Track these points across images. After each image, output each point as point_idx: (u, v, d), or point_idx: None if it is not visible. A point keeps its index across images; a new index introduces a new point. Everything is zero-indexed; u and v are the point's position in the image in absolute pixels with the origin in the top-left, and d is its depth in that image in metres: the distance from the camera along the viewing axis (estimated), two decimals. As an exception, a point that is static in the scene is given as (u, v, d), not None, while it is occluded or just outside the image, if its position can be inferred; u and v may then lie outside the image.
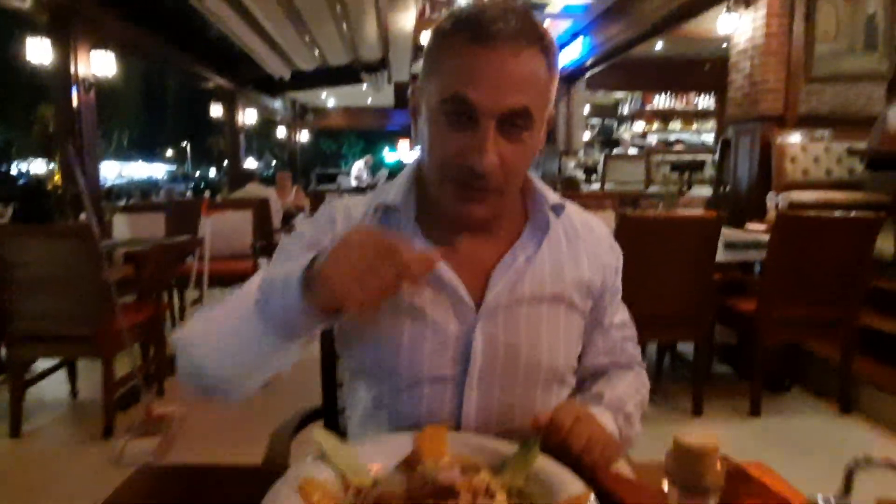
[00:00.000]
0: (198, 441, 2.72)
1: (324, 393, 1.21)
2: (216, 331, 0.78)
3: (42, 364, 3.31)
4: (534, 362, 0.88)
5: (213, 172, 27.61)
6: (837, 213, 3.04)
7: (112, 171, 27.27)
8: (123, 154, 25.07)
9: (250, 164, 18.51)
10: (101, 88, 5.51)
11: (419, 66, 0.84)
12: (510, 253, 0.89)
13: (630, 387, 0.99)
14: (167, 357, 3.48)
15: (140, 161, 29.62)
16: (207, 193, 10.42)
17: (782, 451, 2.66)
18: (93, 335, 2.69)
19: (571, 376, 0.96)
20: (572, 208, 0.98)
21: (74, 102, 5.13)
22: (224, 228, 4.63)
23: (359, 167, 15.13)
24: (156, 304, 3.26)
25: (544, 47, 0.79)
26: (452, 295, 0.86)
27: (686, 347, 3.36)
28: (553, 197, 0.92)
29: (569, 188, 7.08)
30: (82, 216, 2.66)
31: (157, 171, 30.60)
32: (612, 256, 0.99)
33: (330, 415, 1.21)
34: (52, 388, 3.34)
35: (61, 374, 3.30)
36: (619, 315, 1.02)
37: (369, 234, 0.67)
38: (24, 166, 14.72)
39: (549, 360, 0.89)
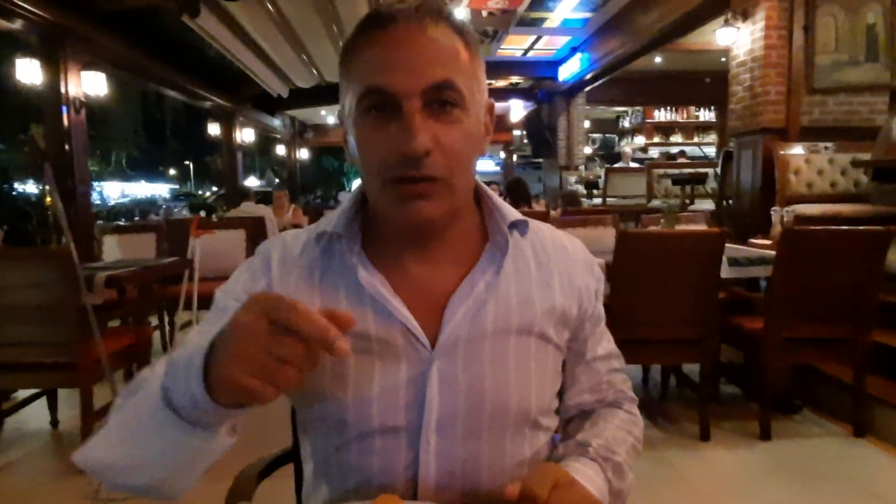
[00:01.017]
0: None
1: (294, 437, 1.11)
2: (122, 441, 0.64)
3: (23, 392, 3.20)
4: (501, 405, 0.76)
5: (214, 191, 27.70)
6: (845, 227, 2.93)
7: (114, 191, 27.36)
8: (125, 173, 25.15)
9: (251, 182, 18.51)
10: (99, 108, 5.46)
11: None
12: (468, 279, 0.78)
13: (619, 430, 0.86)
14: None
15: (142, 181, 29.73)
16: (203, 213, 10.32)
17: (794, 477, 2.53)
18: (70, 363, 2.58)
19: (548, 418, 0.84)
20: (543, 227, 0.88)
21: (65, 122, 5.07)
22: (216, 248, 4.54)
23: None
24: (140, 328, 3.14)
25: (453, 24, 0.72)
26: (402, 330, 0.75)
27: (692, 368, 3.24)
28: (512, 214, 0.82)
29: (570, 203, 7.01)
30: (64, 239, 2.56)
31: (160, 190, 30.70)
32: (591, 279, 0.87)
33: (300, 460, 1.10)
34: (32, 417, 3.23)
35: (42, 403, 3.18)
36: (603, 346, 0.90)
37: (260, 310, 0.53)
38: (22, 187, 14.72)
39: (518, 401, 0.77)
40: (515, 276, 0.80)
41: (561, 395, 0.88)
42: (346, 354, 0.52)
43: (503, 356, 0.77)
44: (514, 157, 18.65)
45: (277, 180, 19.21)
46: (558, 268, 0.84)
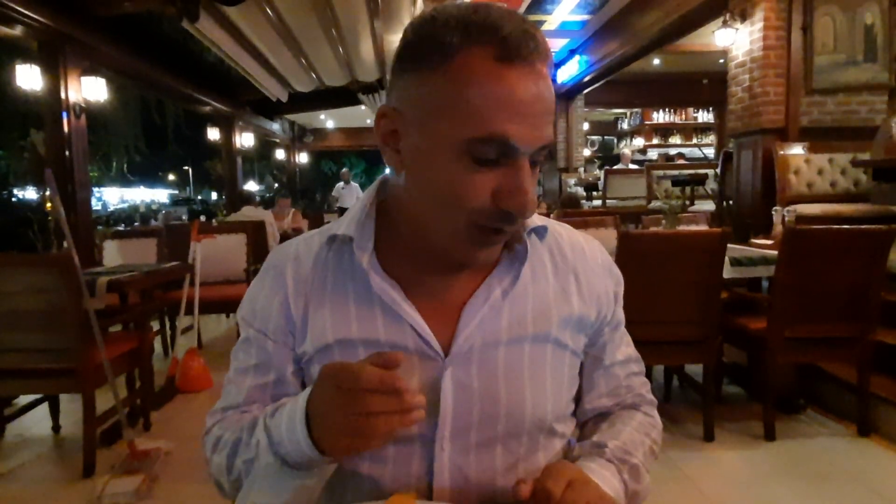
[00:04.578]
0: (182, 479, 2.58)
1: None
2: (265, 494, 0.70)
3: (24, 398, 3.19)
4: (516, 413, 0.75)
5: (214, 196, 27.72)
6: (847, 226, 2.93)
7: (114, 197, 27.38)
8: (125, 179, 25.15)
9: (251, 186, 18.47)
10: (100, 114, 5.44)
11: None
12: (484, 285, 0.76)
13: (637, 433, 0.84)
14: (155, 389, 3.37)
15: (142, 186, 29.77)
16: (203, 217, 10.31)
17: (799, 477, 2.52)
18: (72, 369, 2.56)
19: (563, 424, 0.82)
20: (561, 229, 0.85)
21: (65, 128, 5.06)
22: (217, 253, 4.54)
23: (337, 188, 14.02)
24: (142, 333, 3.14)
25: (551, 62, 0.67)
26: (413, 337, 0.73)
27: (694, 368, 3.23)
28: (534, 219, 0.79)
29: (569, 205, 7.00)
30: (65, 244, 2.55)
31: (159, 195, 30.73)
32: (610, 282, 0.85)
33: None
34: (34, 423, 3.22)
35: (44, 408, 3.17)
36: (623, 350, 0.88)
37: (330, 384, 0.62)
38: (22, 194, 14.70)
39: (533, 409, 0.75)
40: (532, 283, 0.78)
41: (578, 399, 0.86)
42: (413, 396, 0.59)
43: (518, 364, 0.75)
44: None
45: (277, 185, 19.10)
46: (576, 273, 0.82)
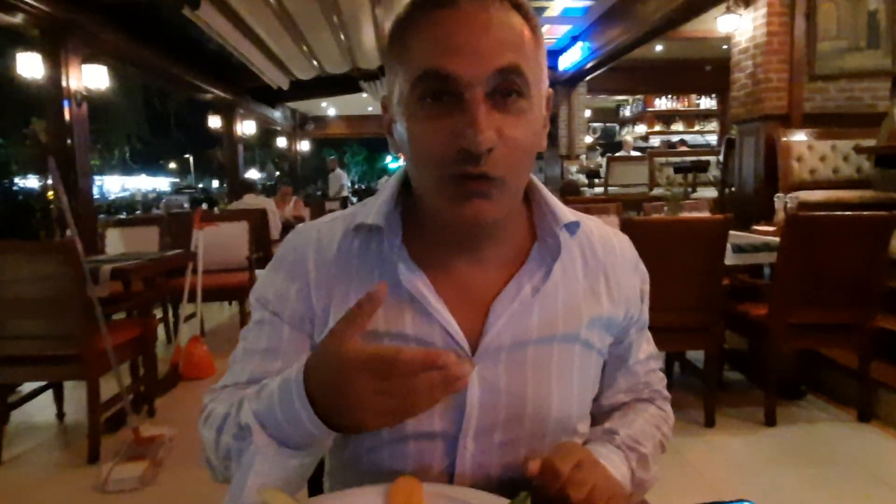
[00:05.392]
0: (187, 465, 2.60)
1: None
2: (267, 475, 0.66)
3: (29, 385, 3.21)
4: (542, 413, 0.73)
5: (216, 184, 27.66)
6: (849, 213, 2.92)
7: (116, 185, 27.33)
8: (126, 167, 25.10)
9: (252, 174, 18.42)
10: (101, 102, 5.43)
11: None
12: (514, 281, 0.74)
13: (648, 423, 0.84)
14: (159, 376, 3.39)
15: (144, 174, 29.69)
16: (205, 205, 10.31)
17: (799, 462, 2.53)
18: (76, 356, 2.58)
19: (585, 424, 0.82)
20: (591, 224, 0.82)
21: (66, 116, 5.06)
22: (219, 241, 4.55)
23: (329, 178, 13.58)
24: (145, 321, 3.15)
25: (517, 4, 0.66)
26: (441, 333, 0.71)
27: (696, 355, 3.24)
28: (567, 214, 0.77)
29: (569, 192, 6.99)
30: (68, 232, 2.56)
31: (161, 183, 30.67)
32: (638, 280, 0.85)
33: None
34: (38, 410, 3.24)
35: (48, 396, 3.19)
36: (644, 348, 0.88)
37: (368, 372, 0.56)
38: (24, 182, 14.67)
39: (559, 409, 0.74)
40: (563, 281, 0.76)
41: (595, 398, 0.85)
42: (458, 365, 0.54)
43: (546, 364, 0.74)
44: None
45: (279, 173, 19.03)
46: (606, 272, 0.80)
